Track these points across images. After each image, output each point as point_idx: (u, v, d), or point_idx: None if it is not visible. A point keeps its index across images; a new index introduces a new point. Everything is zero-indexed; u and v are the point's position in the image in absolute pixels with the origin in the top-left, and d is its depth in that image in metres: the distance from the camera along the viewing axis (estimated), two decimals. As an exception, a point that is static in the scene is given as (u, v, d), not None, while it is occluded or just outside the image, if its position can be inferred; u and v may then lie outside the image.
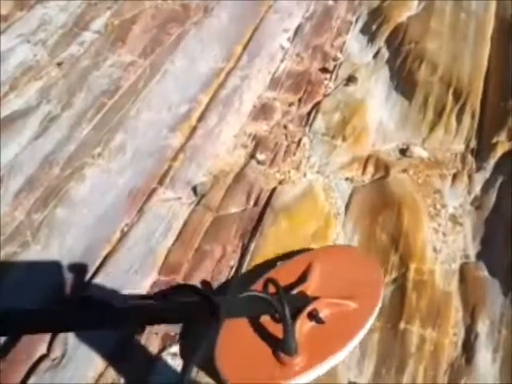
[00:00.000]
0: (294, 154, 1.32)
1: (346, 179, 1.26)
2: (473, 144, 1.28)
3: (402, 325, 0.97)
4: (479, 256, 1.07)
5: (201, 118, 1.42)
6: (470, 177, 1.21)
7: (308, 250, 1.07)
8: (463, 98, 1.35)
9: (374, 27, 1.63)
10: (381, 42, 1.59)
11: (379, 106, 1.42)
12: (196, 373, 0.93)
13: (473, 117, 1.32)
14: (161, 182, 1.27)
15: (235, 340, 0.90)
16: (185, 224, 1.18)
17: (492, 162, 1.21)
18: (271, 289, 0.82)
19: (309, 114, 1.42)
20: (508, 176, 1.17)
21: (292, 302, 0.84)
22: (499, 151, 1.22)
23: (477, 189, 1.19)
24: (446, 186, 1.20)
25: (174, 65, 1.57)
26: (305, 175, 1.27)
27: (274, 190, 1.23)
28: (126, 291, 1.06)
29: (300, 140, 1.35)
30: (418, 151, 1.29)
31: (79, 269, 1.10)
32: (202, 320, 0.74)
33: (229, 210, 1.20)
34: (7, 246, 1.14)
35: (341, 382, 0.91)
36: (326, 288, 0.93)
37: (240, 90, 1.49)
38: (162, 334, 1.00)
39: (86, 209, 1.22)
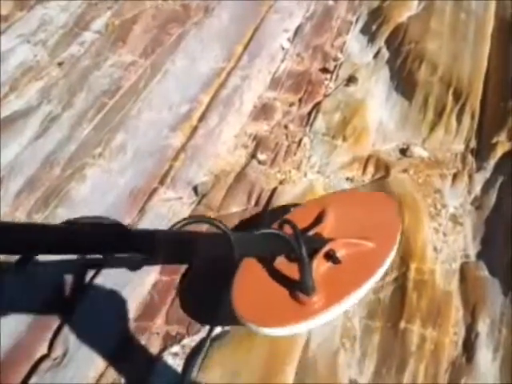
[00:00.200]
0: (295, 154, 1.32)
1: (347, 179, 1.26)
2: (473, 144, 1.28)
3: (402, 324, 0.97)
4: (479, 256, 1.07)
5: (201, 118, 1.42)
6: (470, 177, 1.21)
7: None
8: (463, 98, 1.35)
9: (374, 27, 1.63)
10: (381, 42, 1.58)
11: (379, 106, 1.42)
12: (196, 373, 0.93)
13: (473, 117, 1.32)
14: (162, 182, 1.27)
15: (252, 282, 0.88)
16: (185, 224, 1.18)
17: (492, 162, 1.21)
18: (287, 230, 0.80)
19: (309, 114, 1.42)
20: (508, 176, 1.17)
21: (308, 243, 0.82)
22: (499, 151, 1.22)
23: (477, 189, 1.19)
24: (447, 185, 1.20)
25: (174, 65, 1.57)
26: (305, 175, 1.27)
27: (274, 189, 1.23)
28: (126, 291, 1.06)
29: (300, 140, 1.35)
30: (419, 151, 1.29)
31: (79, 269, 1.10)
32: (218, 254, 0.70)
33: (230, 210, 1.21)
34: (8, 246, 1.14)
35: (341, 380, 0.92)
36: (341, 229, 0.91)
37: (240, 89, 1.49)
38: (162, 333, 1.00)
39: (86, 209, 1.22)
